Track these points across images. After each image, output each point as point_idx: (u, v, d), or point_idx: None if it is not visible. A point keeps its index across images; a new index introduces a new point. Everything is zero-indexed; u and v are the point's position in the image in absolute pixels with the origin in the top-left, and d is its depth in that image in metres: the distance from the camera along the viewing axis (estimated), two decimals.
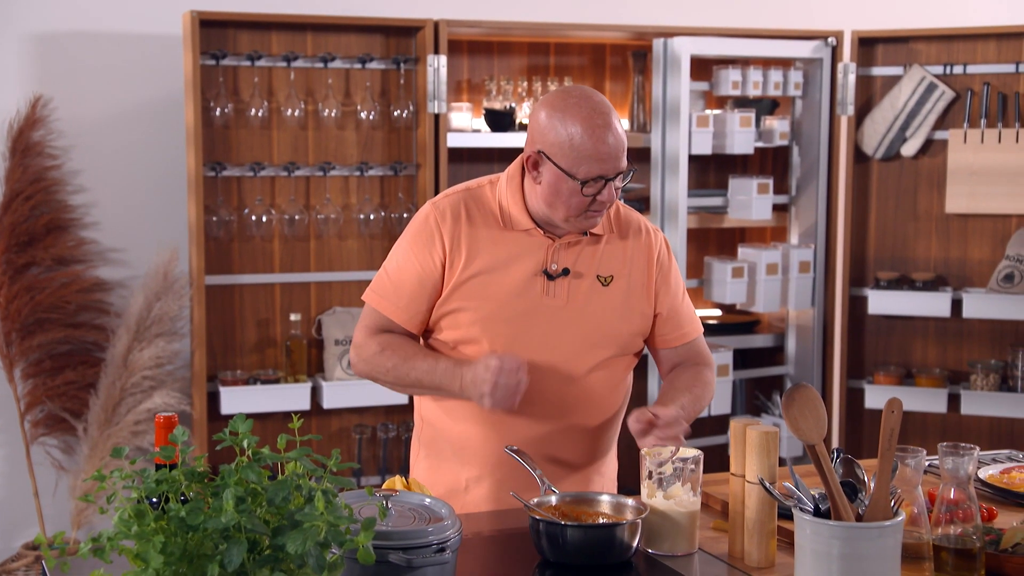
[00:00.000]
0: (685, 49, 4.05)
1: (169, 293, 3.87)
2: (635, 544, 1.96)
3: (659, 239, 2.38)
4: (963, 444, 1.91)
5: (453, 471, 2.34)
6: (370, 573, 1.66)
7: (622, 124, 2.22)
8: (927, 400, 4.33)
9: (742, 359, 4.71)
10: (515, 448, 2.19)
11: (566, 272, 2.27)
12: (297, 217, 3.96)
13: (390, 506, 1.81)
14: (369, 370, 2.29)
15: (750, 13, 4.75)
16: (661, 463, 2.04)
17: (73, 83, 4.02)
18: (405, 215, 4.04)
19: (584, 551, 1.94)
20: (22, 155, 3.94)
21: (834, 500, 1.75)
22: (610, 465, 2.45)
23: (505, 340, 2.25)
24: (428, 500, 1.86)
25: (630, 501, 2.03)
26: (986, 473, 2.40)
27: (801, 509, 1.78)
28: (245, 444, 1.35)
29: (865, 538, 1.73)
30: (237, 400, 3.81)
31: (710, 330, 4.56)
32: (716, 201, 4.39)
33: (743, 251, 4.39)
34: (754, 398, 4.68)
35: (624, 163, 2.20)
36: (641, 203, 4.35)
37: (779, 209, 4.55)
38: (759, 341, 4.60)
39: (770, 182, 4.29)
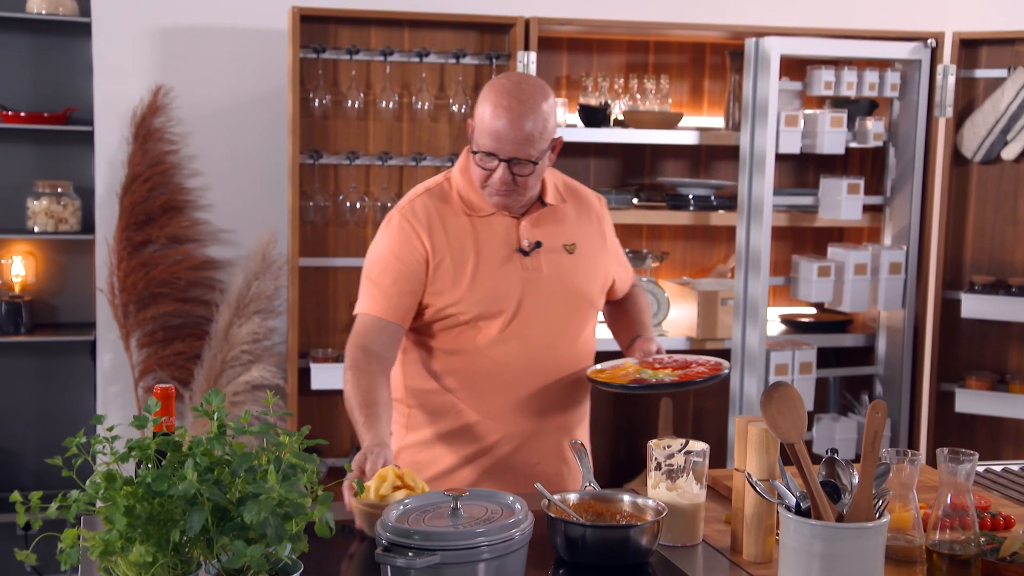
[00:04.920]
0: (775, 49, 4.07)
1: (267, 273, 4.11)
2: (654, 545, 1.99)
3: (601, 202, 2.60)
4: (963, 450, 1.94)
5: (439, 456, 2.48)
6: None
7: (543, 119, 2.32)
8: (1021, 407, 4.26)
9: (836, 357, 4.71)
10: (579, 443, 2.27)
11: (539, 245, 2.44)
12: (390, 204, 4.14)
13: (460, 506, 1.85)
14: (344, 381, 2.40)
15: (849, 14, 4.72)
16: (669, 455, 2.12)
17: (191, 74, 4.28)
18: None
19: (602, 552, 1.96)
20: (143, 140, 4.22)
21: (813, 499, 1.81)
22: (584, 409, 2.63)
23: (502, 321, 2.41)
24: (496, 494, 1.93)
25: (651, 502, 2.06)
26: None
27: (785, 507, 1.85)
28: (215, 417, 1.50)
29: (844, 538, 1.77)
30: (326, 376, 4.01)
31: (800, 328, 4.58)
32: (806, 200, 4.39)
33: (832, 250, 4.38)
34: (843, 397, 4.67)
35: (523, 151, 2.31)
36: (729, 200, 4.40)
37: (875, 210, 4.52)
38: (850, 340, 4.58)
39: (861, 182, 4.27)
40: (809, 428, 4.51)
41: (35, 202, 4.25)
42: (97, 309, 4.29)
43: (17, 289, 4.30)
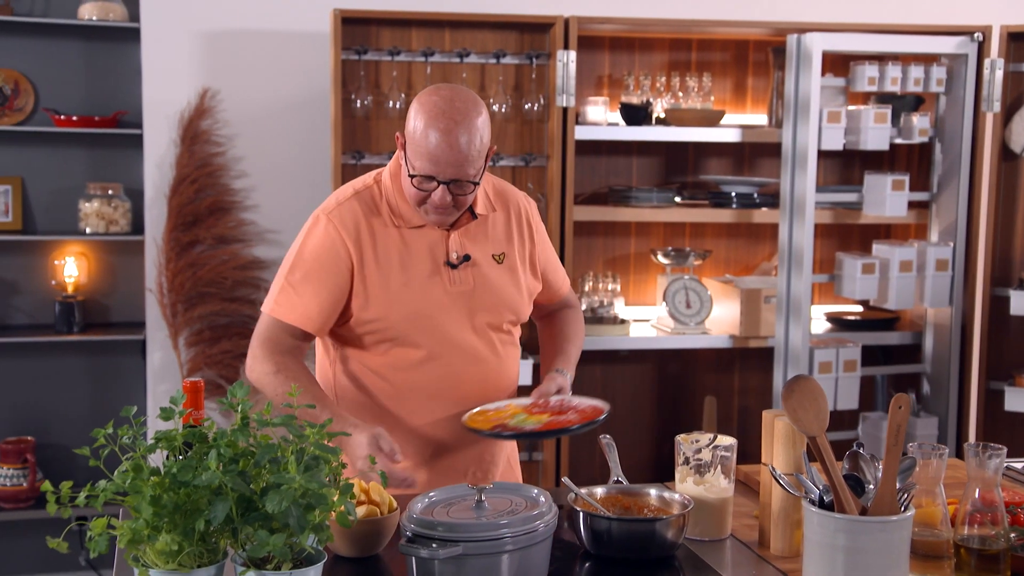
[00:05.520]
0: (817, 45, 4.05)
1: None
2: (680, 539, 1.99)
3: (532, 208, 2.51)
4: (992, 444, 1.92)
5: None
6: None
7: (480, 136, 2.22)
8: None
9: (883, 355, 4.67)
10: (608, 438, 2.26)
11: (467, 258, 2.37)
12: None
13: (484, 498, 1.88)
14: (262, 385, 2.32)
15: (893, 8, 4.67)
16: (697, 449, 2.12)
17: (237, 77, 4.35)
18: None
19: (628, 545, 1.96)
20: (191, 142, 4.30)
21: (837, 493, 1.81)
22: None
23: (427, 335, 2.33)
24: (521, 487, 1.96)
25: (677, 496, 2.06)
26: None
27: (809, 500, 1.85)
28: (239, 409, 1.53)
29: (867, 531, 1.77)
30: None
31: (846, 326, 4.54)
32: (851, 197, 4.36)
33: (877, 247, 4.35)
34: (889, 395, 4.63)
35: (463, 172, 2.22)
36: (772, 197, 4.38)
37: (921, 207, 4.48)
38: (896, 338, 4.54)
39: (906, 179, 4.23)
40: (855, 426, 4.48)
41: (87, 204, 4.35)
42: (147, 309, 4.37)
43: (70, 289, 4.40)
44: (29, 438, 4.39)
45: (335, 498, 1.56)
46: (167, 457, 1.58)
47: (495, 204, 2.44)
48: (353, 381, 2.42)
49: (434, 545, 1.75)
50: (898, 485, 1.83)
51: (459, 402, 2.38)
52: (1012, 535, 1.95)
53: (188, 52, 4.32)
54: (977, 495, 1.92)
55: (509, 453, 2.58)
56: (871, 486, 1.85)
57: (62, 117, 4.31)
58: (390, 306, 2.32)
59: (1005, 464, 2.61)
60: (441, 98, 2.22)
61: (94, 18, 4.30)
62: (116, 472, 1.55)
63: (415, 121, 2.23)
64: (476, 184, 2.26)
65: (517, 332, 2.50)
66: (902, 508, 1.81)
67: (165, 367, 4.39)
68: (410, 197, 2.29)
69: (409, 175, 2.25)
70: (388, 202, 2.35)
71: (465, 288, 2.37)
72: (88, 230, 4.35)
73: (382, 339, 2.35)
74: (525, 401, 2.38)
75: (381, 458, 2.11)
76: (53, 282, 4.44)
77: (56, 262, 4.42)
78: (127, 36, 4.39)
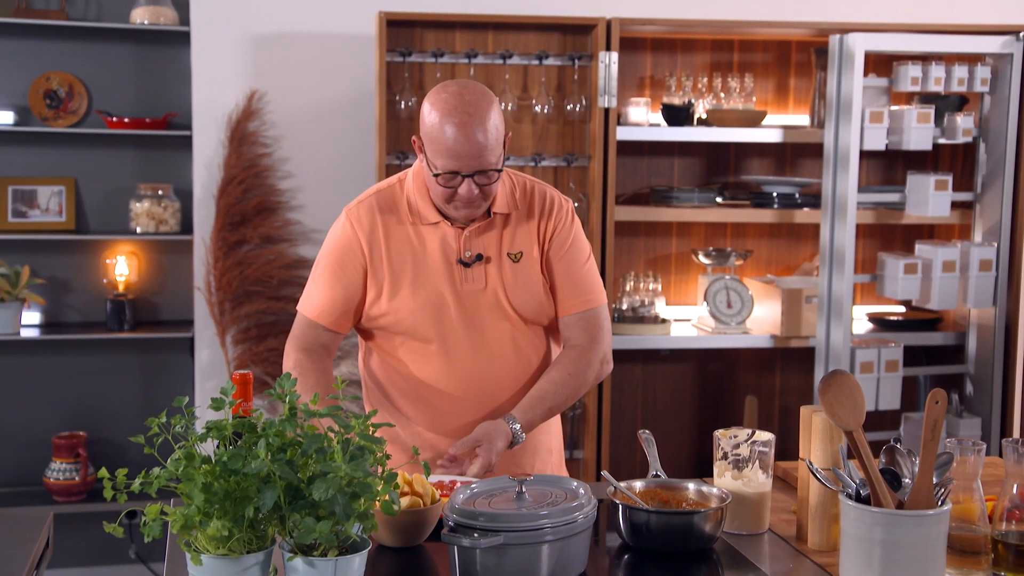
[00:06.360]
0: (859, 45, 4.05)
1: None
2: (718, 532, 2.02)
3: (564, 208, 2.46)
4: None
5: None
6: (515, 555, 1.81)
7: (495, 124, 2.26)
8: None
9: (925, 356, 4.66)
10: (646, 432, 2.28)
11: (480, 257, 2.39)
12: None
13: (524, 490, 1.92)
14: None
15: (936, 8, 4.66)
16: (736, 444, 2.15)
17: (284, 79, 4.42)
18: (576, 204, 4.24)
19: (666, 537, 1.99)
20: (238, 144, 4.38)
21: (873, 487, 1.83)
22: (546, 429, 2.52)
23: (436, 332, 2.37)
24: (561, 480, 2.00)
25: (715, 489, 2.09)
26: None
27: (846, 495, 1.87)
28: (287, 400, 1.58)
29: (903, 525, 1.78)
30: None
31: (889, 326, 4.54)
32: (893, 197, 4.36)
33: (920, 248, 4.34)
34: None
35: (485, 162, 2.25)
36: (814, 198, 4.38)
37: (965, 207, 4.46)
38: (939, 339, 4.53)
39: (949, 179, 4.22)
40: (897, 426, 4.47)
41: (137, 204, 4.44)
42: (195, 307, 4.46)
43: (121, 288, 4.49)
44: (81, 433, 4.49)
45: (380, 487, 1.61)
46: (218, 446, 1.63)
47: (519, 203, 2.44)
48: (377, 374, 2.49)
49: (476, 535, 1.79)
50: (935, 480, 1.85)
51: (473, 398, 2.42)
52: None
53: (236, 55, 4.40)
54: (1015, 491, 1.93)
55: (550, 445, 2.58)
56: (908, 480, 1.86)
57: (114, 119, 4.40)
58: (400, 302, 2.37)
59: None
60: (450, 94, 2.27)
61: (145, 22, 4.39)
62: (169, 460, 1.60)
63: (429, 121, 2.27)
64: (499, 171, 2.30)
65: (538, 331, 2.48)
66: (939, 503, 1.82)
67: (213, 364, 4.47)
68: (437, 196, 2.33)
69: (433, 175, 2.29)
70: (408, 199, 2.40)
71: (477, 286, 2.39)
72: (139, 230, 4.45)
73: (395, 333, 2.41)
74: (446, 478, 2.26)
75: None
76: (105, 280, 4.54)
77: (107, 261, 4.52)
78: (177, 40, 4.48)
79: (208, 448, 1.68)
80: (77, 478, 4.41)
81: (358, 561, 1.64)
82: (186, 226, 4.53)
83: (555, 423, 2.60)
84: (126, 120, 4.40)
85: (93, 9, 4.48)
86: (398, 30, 4.14)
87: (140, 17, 4.39)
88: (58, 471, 4.40)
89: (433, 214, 2.38)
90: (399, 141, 4.21)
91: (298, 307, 2.47)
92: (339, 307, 2.41)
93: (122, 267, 4.49)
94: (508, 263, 2.41)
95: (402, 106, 4.16)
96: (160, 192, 4.46)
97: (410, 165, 4.16)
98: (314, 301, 2.43)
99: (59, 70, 4.49)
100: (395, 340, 2.43)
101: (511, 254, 2.42)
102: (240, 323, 4.42)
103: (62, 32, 4.45)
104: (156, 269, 4.63)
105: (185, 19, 4.43)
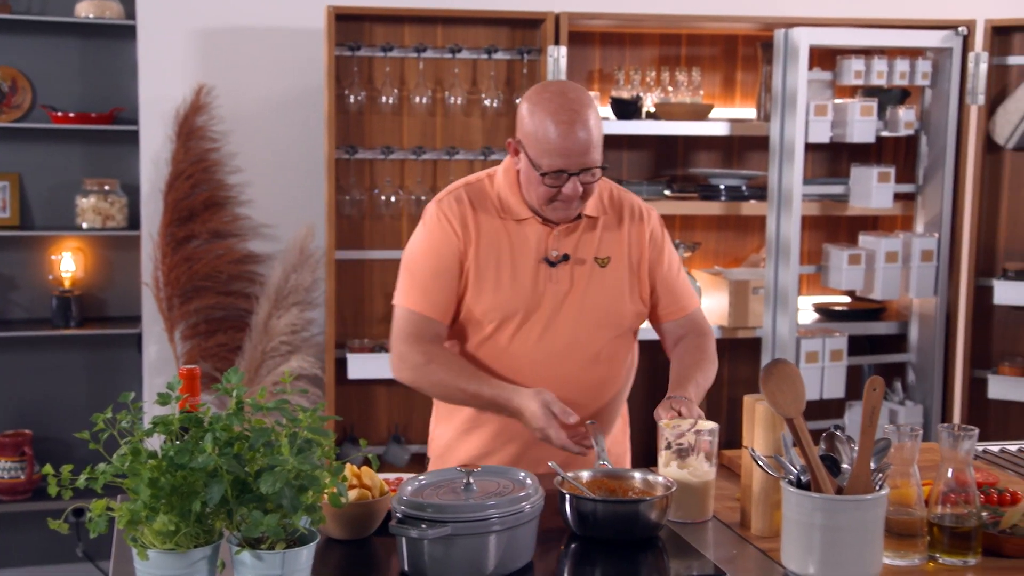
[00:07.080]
0: (804, 39, 4.11)
1: (305, 266, 4.22)
2: (663, 520, 2.04)
3: (652, 218, 2.51)
4: (964, 426, 1.98)
5: (470, 444, 2.48)
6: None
7: (596, 122, 2.30)
8: None
9: (869, 345, 4.74)
10: (594, 423, 2.32)
11: (566, 258, 2.40)
12: (424, 198, 4.23)
13: (472, 481, 1.93)
14: (414, 379, 2.40)
15: (880, 3, 4.73)
16: (679, 434, 2.18)
17: (232, 73, 4.39)
18: None
19: (612, 526, 2.01)
20: (186, 138, 4.35)
21: (813, 473, 1.87)
22: (616, 440, 2.60)
23: (515, 327, 2.39)
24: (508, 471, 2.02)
25: (660, 478, 2.12)
26: None
27: (788, 481, 1.91)
28: (233, 394, 1.59)
29: (843, 510, 1.83)
30: (363, 366, 4.11)
31: (833, 316, 4.61)
32: (837, 189, 4.42)
33: (863, 239, 4.41)
34: None
35: (591, 159, 2.30)
36: (761, 190, 4.44)
37: (907, 198, 4.54)
38: (883, 328, 4.61)
39: (891, 171, 4.29)
40: (841, 414, 4.54)
41: (83, 200, 4.40)
42: (143, 303, 4.43)
43: (67, 284, 4.45)
44: (27, 431, 4.45)
45: (327, 480, 1.62)
46: (164, 441, 1.63)
47: (608, 208, 2.47)
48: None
49: (423, 526, 1.81)
50: (873, 466, 1.89)
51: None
52: (984, 514, 2.01)
53: (183, 49, 4.37)
54: (950, 475, 1.98)
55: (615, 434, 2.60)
56: (847, 466, 1.90)
57: (59, 114, 4.36)
58: (486, 294, 2.38)
59: (983, 447, 2.68)
60: (553, 94, 2.30)
61: (91, 16, 4.35)
62: (115, 455, 1.60)
63: (533, 122, 2.30)
64: (604, 168, 2.34)
65: (623, 341, 2.49)
66: (877, 488, 1.87)
67: (161, 360, 4.44)
68: (540, 196, 2.34)
69: (540, 174, 2.30)
70: (499, 194, 2.41)
71: (561, 287, 2.41)
72: (85, 225, 4.41)
73: (478, 325, 2.40)
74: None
75: (555, 423, 2.23)
76: (50, 277, 4.50)
77: (53, 257, 4.47)
78: (123, 33, 4.44)
79: (155, 443, 1.68)
80: (22, 477, 4.37)
81: (306, 554, 1.64)
82: (133, 222, 4.49)
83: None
84: (71, 115, 4.36)
85: (37, 2, 4.43)
86: (347, 24, 4.14)
87: (85, 11, 4.35)
88: (3, 470, 4.35)
89: (524, 210, 2.40)
90: (348, 135, 4.21)
91: (402, 304, 2.42)
92: (448, 299, 2.39)
93: (68, 263, 4.45)
94: (596, 267, 2.43)
95: (351, 100, 4.16)
96: (107, 187, 4.42)
97: (359, 159, 4.19)
98: (421, 295, 2.40)
99: (2, 64, 4.43)
100: (482, 332, 2.41)
101: (599, 258, 2.43)
102: (189, 318, 4.40)
103: (5, 25, 4.40)
104: (103, 265, 4.60)
105: (131, 12, 4.39)
